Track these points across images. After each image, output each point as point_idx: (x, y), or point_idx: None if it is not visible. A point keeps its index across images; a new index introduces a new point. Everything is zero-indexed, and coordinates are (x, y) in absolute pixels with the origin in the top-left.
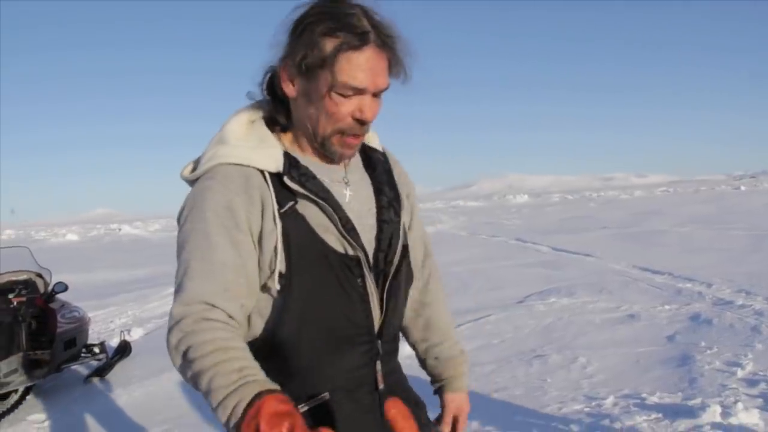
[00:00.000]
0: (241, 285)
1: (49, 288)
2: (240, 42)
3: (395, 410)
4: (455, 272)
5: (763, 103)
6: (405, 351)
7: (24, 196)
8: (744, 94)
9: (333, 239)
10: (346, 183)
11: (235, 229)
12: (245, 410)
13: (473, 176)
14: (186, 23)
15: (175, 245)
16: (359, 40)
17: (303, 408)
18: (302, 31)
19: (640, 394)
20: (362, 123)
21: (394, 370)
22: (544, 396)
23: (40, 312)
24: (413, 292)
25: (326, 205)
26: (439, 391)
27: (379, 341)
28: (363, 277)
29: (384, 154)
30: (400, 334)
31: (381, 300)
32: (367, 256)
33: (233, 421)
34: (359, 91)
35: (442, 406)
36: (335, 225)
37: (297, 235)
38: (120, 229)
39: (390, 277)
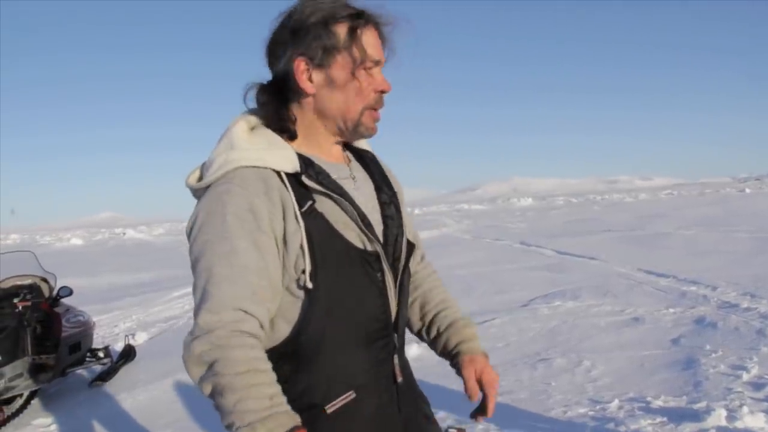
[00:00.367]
0: (264, 288)
1: (54, 292)
2: (245, 46)
3: None
4: (460, 275)
5: None
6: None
7: (29, 200)
8: (749, 97)
9: (353, 235)
10: (353, 179)
11: (258, 231)
12: None
13: (478, 179)
14: (192, 27)
15: (177, 248)
16: (362, 19)
17: (330, 408)
18: (308, 27)
19: (644, 398)
20: (383, 94)
21: (406, 364)
22: (548, 399)
23: (45, 316)
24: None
25: (345, 201)
26: (456, 364)
27: (395, 335)
28: (382, 271)
29: (372, 154)
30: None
31: (396, 294)
32: (385, 250)
33: None
34: (377, 64)
35: (462, 374)
36: (355, 221)
37: (319, 234)
38: (124, 234)
39: (401, 272)
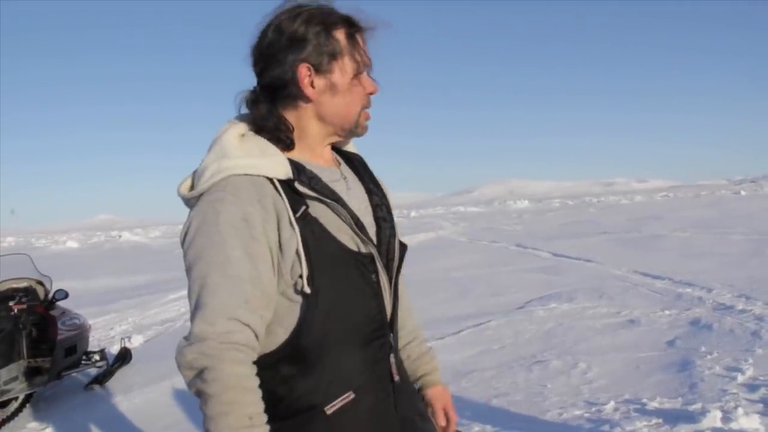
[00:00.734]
0: (258, 297)
1: (50, 295)
2: (242, 48)
3: None
4: (456, 278)
5: (764, 107)
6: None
7: (25, 203)
8: (745, 99)
9: (347, 238)
10: (345, 180)
11: (251, 240)
12: None
13: (474, 182)
14: (191, 29)
15: (173, 251)
16: (354, 24)
17: (330, 409)
18: (307, 33)
19: (640, 400)
20: (370, 95)
21: (401, 363)
22: (544, 402)
23: (41, 319)
24: None
25: (338, 205)
26: (420, 389)
27: (391, 334)
28: (377, 273)
29: (361, 157)
30: None
31: (390, 294)
32: (379, 252)
33: None
34: (368, 67)
35: (430, 403)
36: (348, 224)
37: (314, 238)
38: (120, 236)
39: (395, 272)
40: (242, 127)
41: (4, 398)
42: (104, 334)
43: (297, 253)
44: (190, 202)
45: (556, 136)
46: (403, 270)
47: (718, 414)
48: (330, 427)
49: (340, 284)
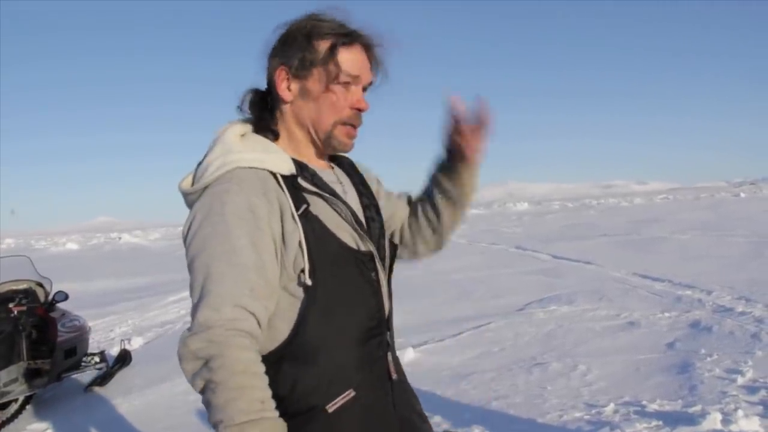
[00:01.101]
0: (262, 286)
1: (50, 297)
2: (242, 50)
3: None
4: (455, 280)
5: (763, 109)
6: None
7: (25, 204)
8: (744, 101)
9: (347, 236)
10: (340, 183)
11: (256, 230)
12: None
13: None
14: (191, 30)
15: (172, 253)
16: (349, 38)
17: (332, 407)
18: (294, 39)
19: (640, 402)
20: (360, 112)
21: (398, 362)
22: (544, 404)
23: (41, 321)
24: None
25: (339, 202)
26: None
27: (388, 332)
28: (375, 270)
29: (349, 160)
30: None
31: (387, 292)
32: (377, 251)
33: None
34: (356, 81)
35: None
36: (348, 222)
37: (314, 236)
38: (120, 238)
39: (389, 271)
40: (242, 128)
41: (4, 400)
42: (104, 336)
43: (300, 246)
44: (192, 197)
45: (556, 138)
46: (405, 272)
47: (718, 416)
48: (331, 425)
49: (340, 281)
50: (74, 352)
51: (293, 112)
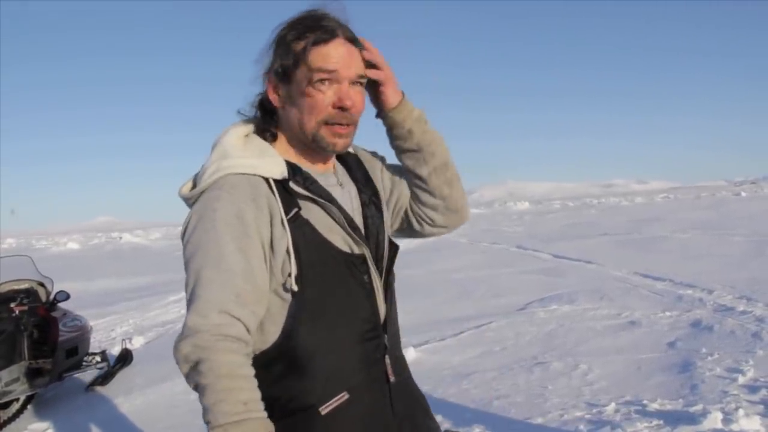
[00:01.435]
0: (249, 291)
1: (51, 297)
2: (243, 50)
3: None
4: (456, 279)
5: (764, 108)
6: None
7: (26, 204)
8: (745, 100)
9: (338, 239)
10: (340, 185)
11: (245, 236)
12: None
13: (474, 184)
14: (191, 31)
15: (173, 253)
16: (326, 35)
17: (325, 409)
18: (277, 45)
19: (641, 401)
20: (343, 110)
21: (402, 364)
22: (545, 403)
23: (42, 321)
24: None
25: (332, 206)
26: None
27: (385, 336)
28: (369, 273)
29: (355, 155)
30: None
31: (383, 295)
32: (371, 253)
33: None
34: (333, 77)
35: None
36: (342, 225)
37: (304, 239)
38: (121, 238)
39: (385, 272)
40: (246, 129)
41: (6, 399)
42: (105, 336)
43: (287, 251)
44: (191, 201)
45: (556, 137)
46: (406, 271)
47: (719, 415)
48: (325, 427)
49: (329, 285)
50: (75, 352)
51: (284, 116)
